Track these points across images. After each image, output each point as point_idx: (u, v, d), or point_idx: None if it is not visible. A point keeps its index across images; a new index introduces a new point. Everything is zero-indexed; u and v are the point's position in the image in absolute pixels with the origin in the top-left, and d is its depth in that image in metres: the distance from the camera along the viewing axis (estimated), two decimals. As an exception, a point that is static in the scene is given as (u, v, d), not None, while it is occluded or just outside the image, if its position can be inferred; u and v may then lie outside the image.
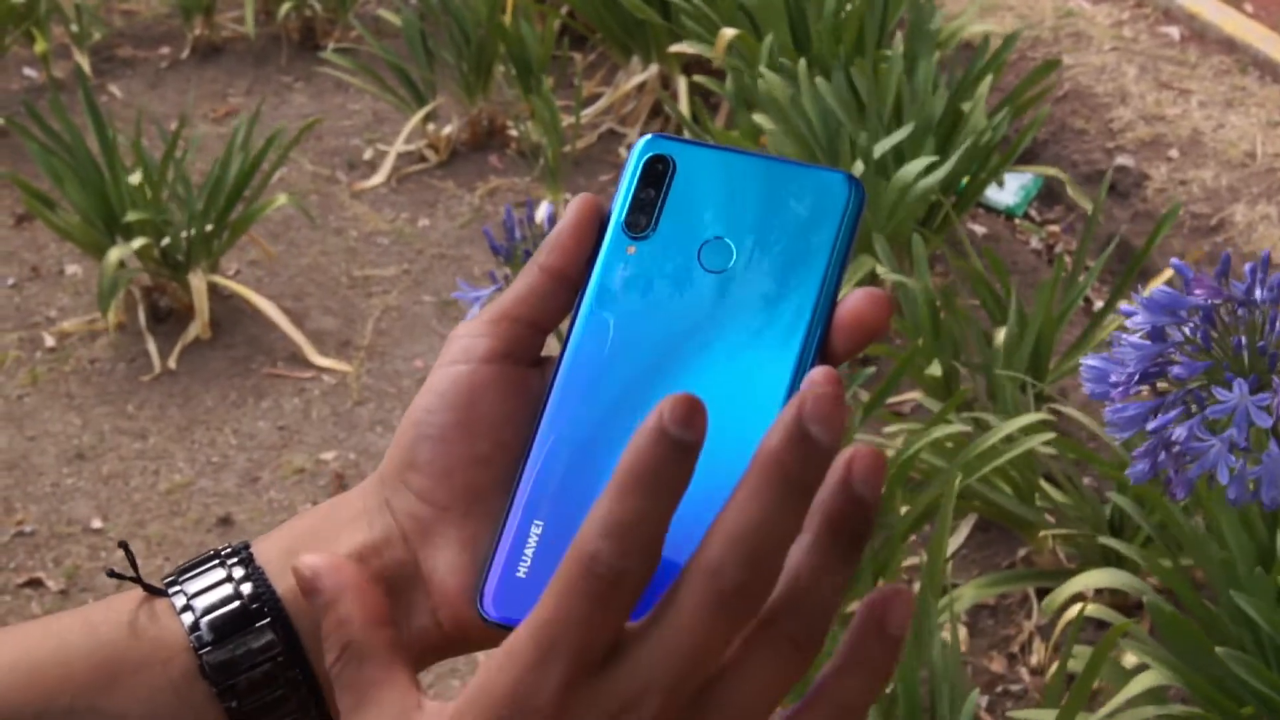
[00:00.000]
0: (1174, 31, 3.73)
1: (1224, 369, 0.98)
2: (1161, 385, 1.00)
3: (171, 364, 3.04)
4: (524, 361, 0.58)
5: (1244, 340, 0.98)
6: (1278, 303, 0.99)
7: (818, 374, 0.51)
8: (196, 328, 3.07)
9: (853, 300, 0.54)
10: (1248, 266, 0.99)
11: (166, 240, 3.07)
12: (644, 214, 0.58)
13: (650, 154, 0.59)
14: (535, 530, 0.54)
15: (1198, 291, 0.99)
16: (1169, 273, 2.82)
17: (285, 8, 4.20)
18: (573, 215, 0.58)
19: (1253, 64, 3.53)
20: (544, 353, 0.59)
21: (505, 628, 0.52)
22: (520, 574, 0.54)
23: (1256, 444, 0.98)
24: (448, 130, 3.75)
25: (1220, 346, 0.99)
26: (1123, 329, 1.01)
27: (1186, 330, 0.99)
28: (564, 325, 0.58)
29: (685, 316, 0.56)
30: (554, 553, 0.54)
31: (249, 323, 3.14)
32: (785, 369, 0.54)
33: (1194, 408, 0.98)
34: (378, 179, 3.66)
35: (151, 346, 3.06)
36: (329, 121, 3.89)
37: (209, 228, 3.10)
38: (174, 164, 3.06)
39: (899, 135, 2.73)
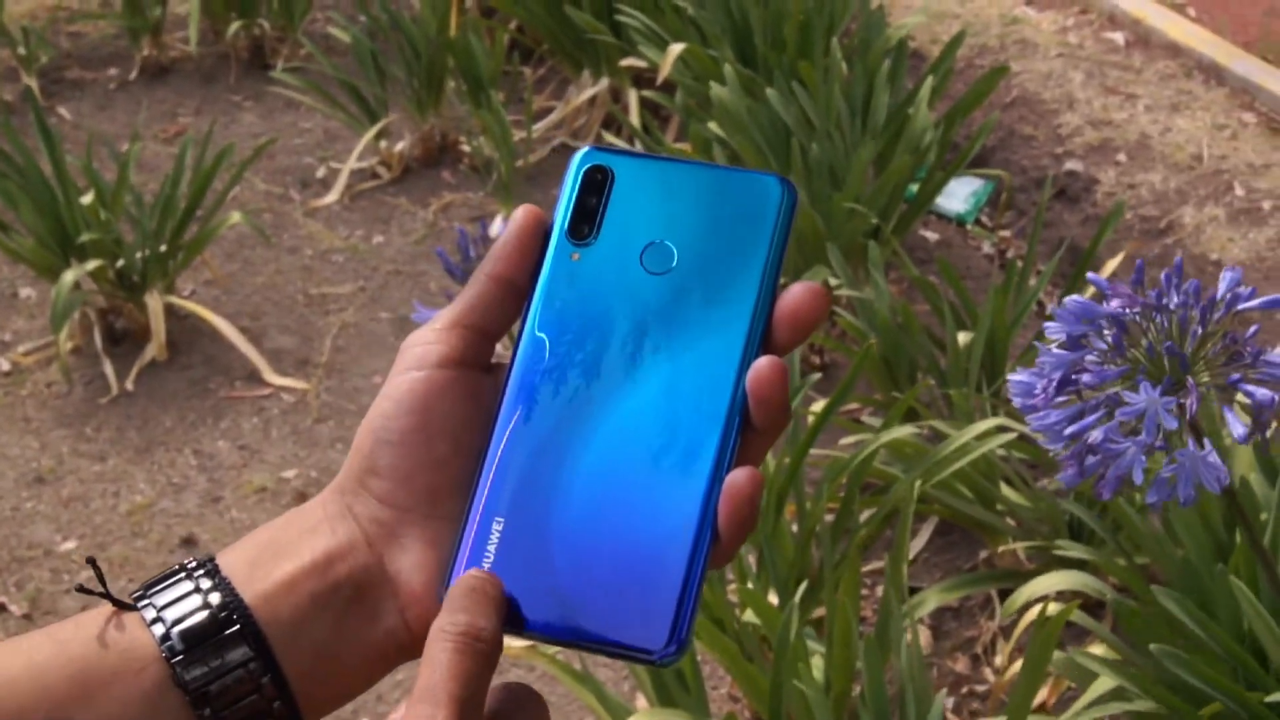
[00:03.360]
0: (1119, 37, 3.78)
1: (1139, 373, 1.00)
2: (1088, 393, 1.02)
3: (129, 385, 3.03)
4: (477, 367, 0.60)
5: (1155, 345, 1.01)
6: (1190, 308, 1.01)
7: (763, 363, 0.56)
8: (153, 349, 3.06)
9: (792, 294, 0.57)
10: (1164, 274, 1.02)
11: (121, 261, 3.06)
12: (586, 222, 0.60)
13: (589, 164, 0.61)
14: (496, 527, 0.56)
15: (1114, 301, 1.01)
16: (1113, 266, 2.86)
17: (234, 27, 4.19)
18: (516, 225, 0.60)
19: (1197, 68, 3.58)
20: (495, 358, 0.61)
21: None
22: (484, 569, 0.56)
23: (1178, 443, 1.00)
24: (400, 147, 3.76)
25: (1136, 351, 1.02)
26: (1044, 340, 1.04)
27: (1109, 337, 1.02)
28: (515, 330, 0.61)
29: (630, 317, 0.58)
30: (515, 548, 0.56)
31: (206, 343, 3.14)
32: (732, 360, 0.57)
33: (1114, 411, 1.00)
34: (331, 197, 3.66)
35: (108, 368, 3.05)
36: (281, 140, 3.88)
37: (163, 248, 3.09)
38: (127, 185, 3.05)
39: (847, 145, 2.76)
